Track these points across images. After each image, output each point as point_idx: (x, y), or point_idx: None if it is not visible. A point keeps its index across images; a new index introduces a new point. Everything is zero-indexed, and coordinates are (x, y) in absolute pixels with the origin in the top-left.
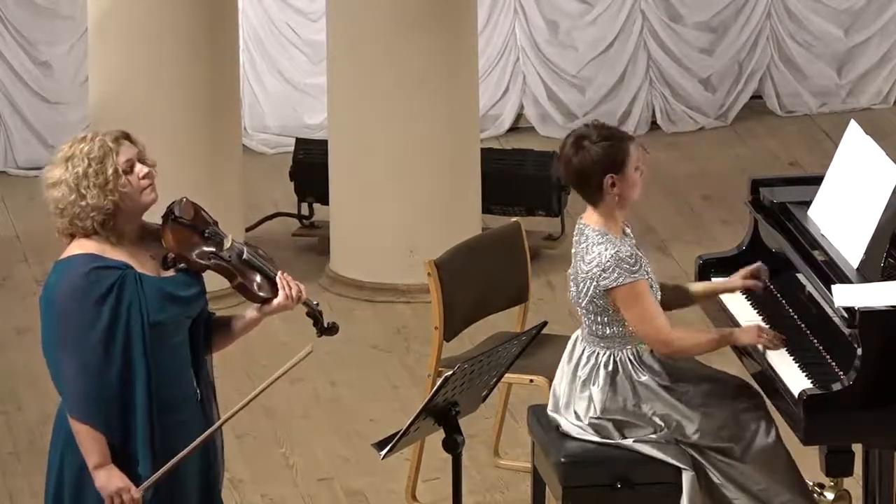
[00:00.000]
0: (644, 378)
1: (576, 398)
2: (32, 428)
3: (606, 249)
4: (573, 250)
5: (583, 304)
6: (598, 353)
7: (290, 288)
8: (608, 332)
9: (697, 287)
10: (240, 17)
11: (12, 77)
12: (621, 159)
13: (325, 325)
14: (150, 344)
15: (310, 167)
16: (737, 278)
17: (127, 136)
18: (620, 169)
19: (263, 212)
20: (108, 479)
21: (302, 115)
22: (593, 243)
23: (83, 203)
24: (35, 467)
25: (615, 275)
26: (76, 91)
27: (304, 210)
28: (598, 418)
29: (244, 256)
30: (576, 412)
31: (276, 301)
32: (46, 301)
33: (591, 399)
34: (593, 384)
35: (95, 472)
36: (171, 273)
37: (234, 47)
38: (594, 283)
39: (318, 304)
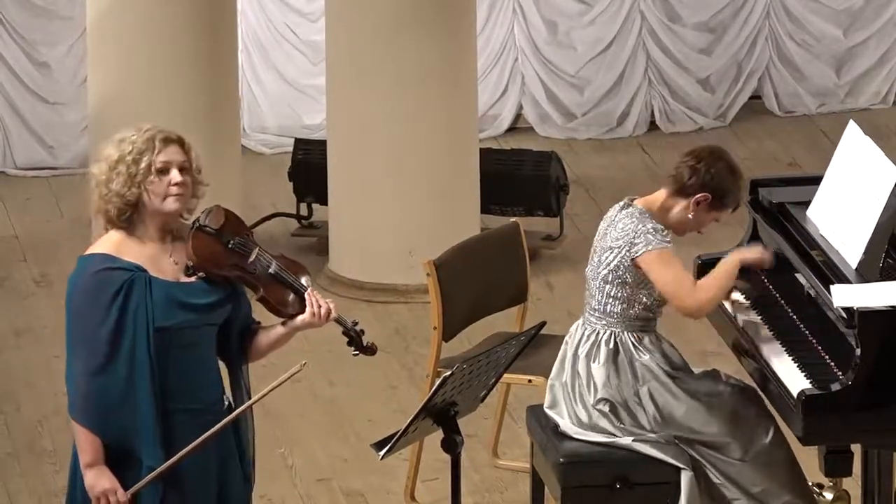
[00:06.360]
0: (645, 358)
1: (576, 373)
2: (31, 428)
3: (643, 224)
4: (604, 224)
5: (602, 274)
6: (599, 331)
7: (320, 307)
8: (617, 308)
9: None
10: (239, 17)
11: (11, 77)
12: (722, 199)
13: (364, 345)
14: (156, 347)
15: (309, 167)
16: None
17: (181, 142)
18: (715, 204)
19: (262, 212)
20: (97, 479)
21: (301, 116)
22: (633, 218)
23: (111, 185)
24: (33, 468)
25: (646, 239)
26: (75, 91)
27: (303, 210)
28: (598, 400)
29: (271, 270)
30: (579, 394)
31: (300, 318)
32: (67, 299)
33: (590, 375)
34: (594, 361)
35: (86, 470)
36: (191, 280)
37: (233, 48)
38: (624, 252)
39: (356, 324)
